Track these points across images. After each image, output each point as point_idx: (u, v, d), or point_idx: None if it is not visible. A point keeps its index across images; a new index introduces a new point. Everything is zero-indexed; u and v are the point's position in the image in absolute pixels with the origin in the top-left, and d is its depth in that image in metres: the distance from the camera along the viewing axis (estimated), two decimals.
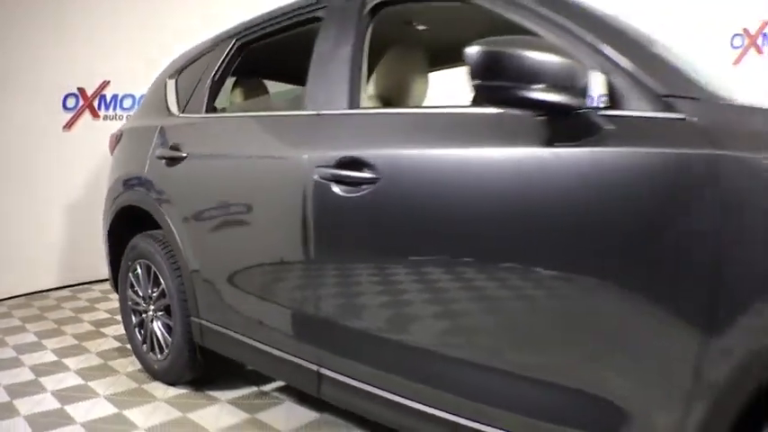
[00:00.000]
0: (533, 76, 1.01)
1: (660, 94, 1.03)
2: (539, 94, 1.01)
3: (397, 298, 1.37)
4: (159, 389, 2.25)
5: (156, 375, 2.32)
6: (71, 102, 3.76)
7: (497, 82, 1.02)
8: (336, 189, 1.43)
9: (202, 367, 2.18)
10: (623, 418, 1.03)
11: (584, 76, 1.05)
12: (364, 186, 1.37)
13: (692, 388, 0.94)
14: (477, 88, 1.05)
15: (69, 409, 2.07)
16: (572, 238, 1.08)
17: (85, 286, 3.83)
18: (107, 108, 3.90)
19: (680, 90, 1.03)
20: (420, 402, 1.33)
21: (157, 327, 2.29)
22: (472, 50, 1.03)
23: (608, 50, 1.11)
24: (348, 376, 1.50)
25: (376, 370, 1.44)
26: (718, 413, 0.91)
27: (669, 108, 1.00)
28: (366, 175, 1.37)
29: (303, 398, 2.10)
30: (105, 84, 3.89)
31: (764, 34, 4.23)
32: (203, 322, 2.01)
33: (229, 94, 2.47)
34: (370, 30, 1.62)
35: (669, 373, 0.97)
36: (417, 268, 1.33)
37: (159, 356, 2.28)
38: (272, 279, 1.76)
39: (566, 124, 1.09)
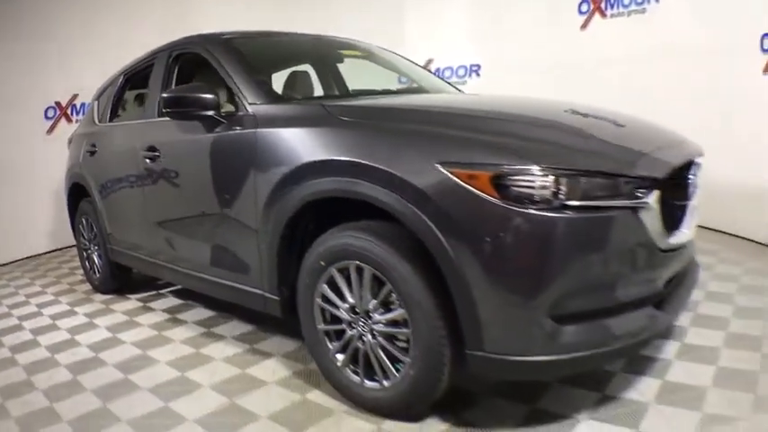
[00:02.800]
0: (194, 104, 2.32)
1: (250, 102, 2.28)
2: (196, 111, 2.33)
3: (176, 216, 2.76)
4: (99, 296, 3.73)
5: (98, 289, 3.80)
6: (51, 112, 5.26)
7: (176, 109, 2.35)
8: (147, 161, 2.82)
9: (118, 278, 3.63)
10: (248, 264, 2.30)
11: (216, 102, 2.31)
12: (156, 159, 2.76)
13: (259, 244, 2.18)
14: (166, 113, 2.39)
15: (43, 310, 3.55)
16: (220, 175, 2.38)
17: (70, 248, 5.36)
18: (78, 114, 5.37)
19: (261, 99, 2.27)
20: (188, 269, 2.73)
21: (95, 256, 3.76)
22: (165, 94, 2.36)
23: (236, 83, 2.37)
24: (168, 262, 2.91)
25: (174, 254, 2.84)
26: (270, 250, 2.14)
27: (254, 110, 2.25)
28: (156, 153, 2.76)
29: (181, 292, 3.53)
30: (75, 96, 5.36)
31: None
32: (112, 246, 3.46)
33: (133, 102, 3.85)
34: (176, 70, 2.96)
35: (252, 238, 2.21)
36: (179, 197, 2.70)
37: (97, 275, 3.76)
38: (131, 215, 3.15)
39: (212, 123, 2.38)
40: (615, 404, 1.91)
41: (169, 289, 3.71)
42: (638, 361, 2.19)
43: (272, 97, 2.32)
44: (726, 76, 3.98)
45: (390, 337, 1.84)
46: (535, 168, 1.52)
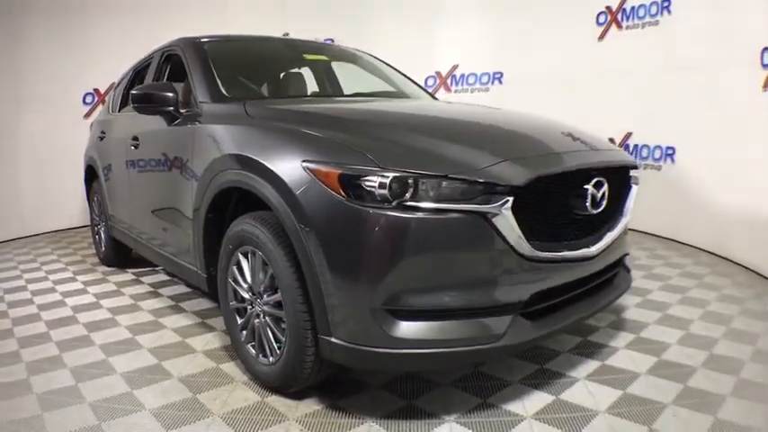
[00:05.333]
0: (157, 101, 2.73)
1: (200, 101, 2.68)
2: (158, 107, 2.75)
3: (146, 198, 3.21)
4: (102, 268, 4.29)
5: (103, 262, 4.37)
6: (89, 98, 5.97)
7: (142, 104, 2.77)
8: (132, 148, 3.30)
9: (119, 253, 4.16)
10: (187, 245, 2.69)
11: (175, 99, 2.71)
12: (138, 147, 3.23)
13: (193, 218, 2.57)
14: (135, 108, 2.83)
15: (50, 275, 4.14)
16: (172, 164, 2.79)
17: None
18: None
19: (208, 99, 2.64)
20: (154, 245, 3.18)
21: (102, 231, 4.33)
22: (133, 91, 2.80)
23: (194, 83, 2.77)
24: (142, 237, 3.39)
25: (146, 232, 3.30)
26: (198, 233, 2.55)
27: (201, 107, 2.65)
28: (137, 142, 3.23)
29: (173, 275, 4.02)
30: (113, 84, 6.01)
31: (623, 10, 5.09)
32: (111, 224, 4.01)
33: None
34: (167, 69, 3.42)
35: (189, 222, 2.60)
36: (148, 182, 3.15)
37: (103, 249, 4.33)
38: (121, 195, 3.66)
39: (172, 117, 2.80)
40: (490, 412, 1.99)
41: (160, 269, 4.21)
42: (542, 375, 2.27)
43: (218, 97, 2.68)
44: (728, 91, 3.99)
45: (278, 319, 2.09)
46: (376, 169, 1.70)
